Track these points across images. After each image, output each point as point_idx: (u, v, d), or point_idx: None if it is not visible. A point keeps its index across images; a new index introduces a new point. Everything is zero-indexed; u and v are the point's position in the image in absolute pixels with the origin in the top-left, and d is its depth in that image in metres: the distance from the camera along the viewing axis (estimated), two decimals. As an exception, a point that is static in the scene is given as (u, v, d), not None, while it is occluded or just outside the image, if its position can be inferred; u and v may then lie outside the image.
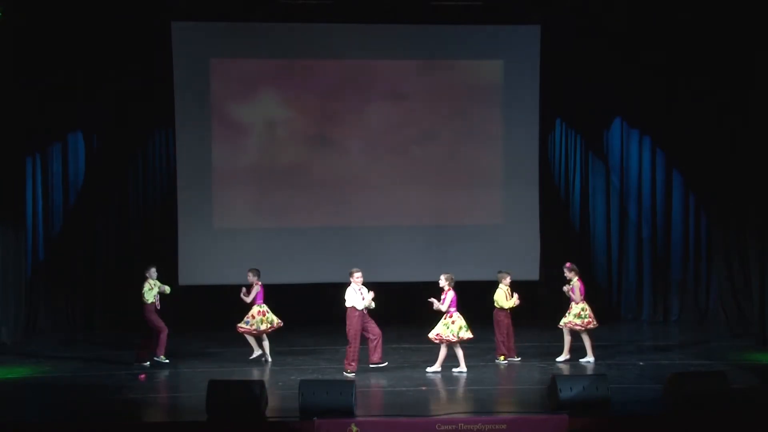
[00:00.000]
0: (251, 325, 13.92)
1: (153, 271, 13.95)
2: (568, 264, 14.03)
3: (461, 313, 13.21)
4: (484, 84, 17.62)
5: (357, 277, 13.15)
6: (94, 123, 17.18)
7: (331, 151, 17.42)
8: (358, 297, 13.09)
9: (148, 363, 13.73)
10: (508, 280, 13.99)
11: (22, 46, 15.90)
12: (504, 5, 17.01)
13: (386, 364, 13.24)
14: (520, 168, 17.59)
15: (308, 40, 17.18)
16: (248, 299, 13.91)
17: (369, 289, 13.15)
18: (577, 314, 13.74)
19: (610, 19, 17.07)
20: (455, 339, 13.04)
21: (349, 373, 12.96)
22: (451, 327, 13.02)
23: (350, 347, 13.08)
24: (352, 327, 13.07)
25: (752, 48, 15.51)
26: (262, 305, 13.99)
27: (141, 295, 13.87)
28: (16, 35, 15.59)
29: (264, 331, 13.93)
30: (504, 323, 13.89)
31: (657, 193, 17.77)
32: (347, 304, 13.13)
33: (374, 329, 13.24)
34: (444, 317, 13.11)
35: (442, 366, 13.17)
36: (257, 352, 13.97)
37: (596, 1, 16.89)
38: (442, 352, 13.17)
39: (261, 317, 13.93)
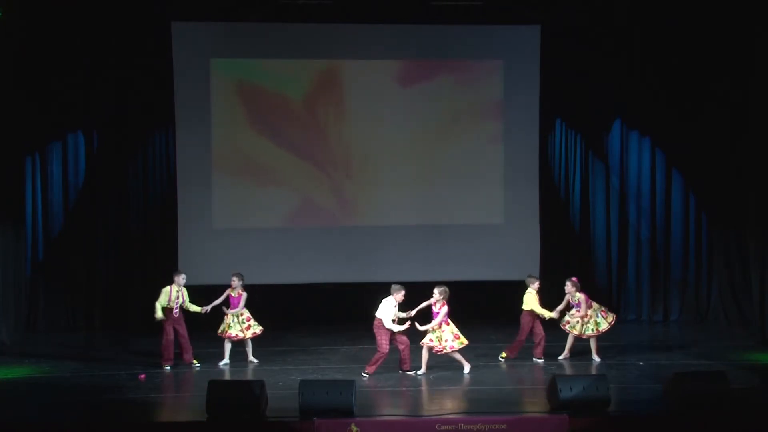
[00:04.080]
0: (256, 328, 13.94)
1: (182, 278, 13.90)
2: (575, 279, 14.02)
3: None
4: (483, 84, 17.62)
5: (400, 296, 12.97)
6: (94, 123, 17.17)
7: (331, 151, 17.41)
8: (389, 315, 12.92)
9: (198, 364, 13.80)
10: (536, 285, 13.95)
11: (22, 45, 15.89)
12: (504, 5, 17.00)
13: (414, 373, 13.11)
14: (520, 168, 17.58)
15: (308, 40, 17.16)
16: (241, 305, 13.86)
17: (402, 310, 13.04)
18: (597, 322, 13.76)
19: (610, 19, 17.06)
20: (444, 350, 12.98)
21: (365, 374, 12.92)
22: (441, 335, 12.95)
23: (379, 354, 12.94)
24: (382, 336, 12.93)
25: (753, 48, 15.52)
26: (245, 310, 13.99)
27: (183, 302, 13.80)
28: (16, 35, 15.59)
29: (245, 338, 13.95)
30: (526, 327, 13.85)
31: (657, 193, 17.76)
32: (379, 315, 13.00)
33: (402, 338, 13.08)
34: (434, 328, 13.00)
35: (428, 367, 13.14)
36: (227, 359, 13.94)
37: (596, 1, 16.89)
38: (425, 355, 13.11)
39: (250, 322, 13.96)
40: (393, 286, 13.09)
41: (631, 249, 17.88)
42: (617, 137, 17.86)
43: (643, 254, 17.84)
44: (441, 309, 12.98)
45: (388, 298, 13.02)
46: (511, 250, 17.35)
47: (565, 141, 17.99)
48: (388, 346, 12.96)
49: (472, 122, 17.56)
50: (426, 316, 13.22)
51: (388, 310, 12.93)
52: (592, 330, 13.77)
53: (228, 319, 13.87)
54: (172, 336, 13.69)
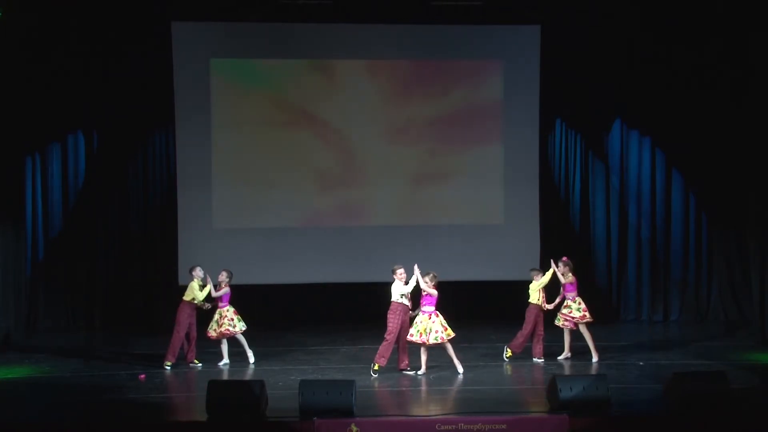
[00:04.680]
0: (233, 327, 13.87)
1: (199, 270, 13.88)
2: (565, 258, 14.04)
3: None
4: (483, 84, 17.62)
5: (400, 274, 13.03)
6: (94, 123, 17.18)
7: (331, 151, 17.42)
8: (400, 291, 12.97)
9: (200, 364, 13.81)
10: (539, 277, 14.01)
11: (22, 45, 15.89)
12: (504, 5, 17.00)
13: (414, 373, 13.12)
14: (520, 168, 17.58)
15: (308, 40, 17.17)
16: (217, 294, 13.75)
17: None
18: (577, 308, 13.79)
19: (610, 19, 17.05)
20: (428, 341, 12.91)
21: (376, 368, 12.94)
22: (429, 327, 12.89)
23: (386, 342, 12.97)
24: (393, 322, 12.94)
25: (753, 48, 15.52)
26: (230, 307, 13.93)
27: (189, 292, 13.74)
28: (16, 35, 15.59)
29: (235, 333, 13.89)
30: (530, 320, 13.86)
31: (657, 193, 17.77)
32: (394, 299, 13.03)
33: (404, 336, 13.09)
34: (425, 318, 12.94)
35: (428, 367, 13.13)
36: (226, 359, 13.95)
37: (596, 1, 16.89)
38: (424, 355, 13.09)
39: (236, 318, 13.88)
40: (392, 268, 13.10)
41: (631, 249, 17.88)
42: (617, 137, 17.86)
43: (643, 254, 17.84)
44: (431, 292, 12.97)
45: (394, 281, 13.05)
46: (511, 250, 17.36)
47: (565, 141, 17.99)
48: (395, 336, 12.96)
49: (472, 122, 17.56)
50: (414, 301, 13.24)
51: (399, 289, 12.98)
52: (576, 315, 13.80)
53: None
54: (184, 334, 13.66)
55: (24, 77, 16.03)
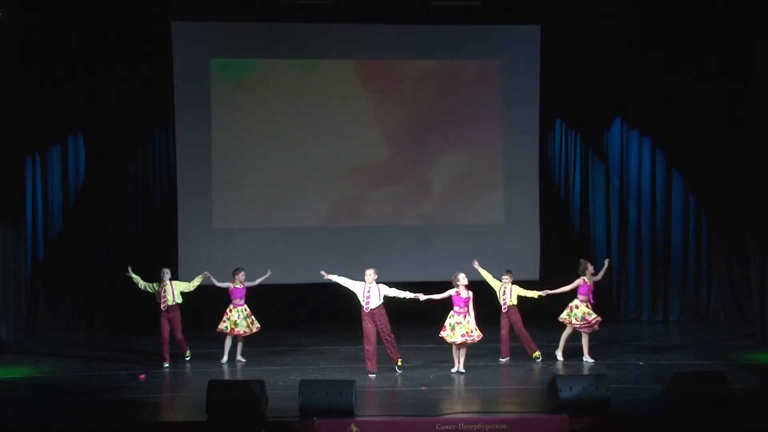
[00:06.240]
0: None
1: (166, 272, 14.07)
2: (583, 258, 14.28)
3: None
4: (484, 84, 17.63)
5: (367, 274, 13.19)
6: (94, 123, 17.19)
7: (330, 151, 17.41)
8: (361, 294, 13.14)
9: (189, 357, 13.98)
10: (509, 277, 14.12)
11: (22, 45, 15.90)
12: (504, 5, 17.01)
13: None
14: (520, 168, 17.59)
15: (308, 40, 17.18)
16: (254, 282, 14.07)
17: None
18: (586, 313, 13.80)
19: (610, 19, 17.06)
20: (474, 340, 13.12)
21: (371, 376, 12.99)
22: (468, 327, 13.03)
23: (367, 348, 13.11)
24: (366, 328, 13.07)
25: (753, 48, 15.52)
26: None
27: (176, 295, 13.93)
28: (16, 35, 15.59)
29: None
30: (504, 324, 13.95)
31: (657, 193, 17.78)
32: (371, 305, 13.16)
33: (384, 328, 13.13)
34: (460, 319, 13.04)
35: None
36: (226, 357, 14.01)
37: (596, 1, 16.89)
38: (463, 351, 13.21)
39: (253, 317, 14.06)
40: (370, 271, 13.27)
41: (631, 249, 17.89)
42: (617, 137, 17.88)
43: (643, 254, 17.85)
44: (469, 296, 13.07)
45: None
46: (511, 250, 17.34)
47: (565, 141, 18.01)
48: (372, 339, 13.01)
49: (472, 122, 17.56)
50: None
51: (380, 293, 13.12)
52: (584, 321, 13.80)
53: (233, 315, 13.90)
54: (165, 333, 13.79)
55: (24, 77, 16.02)
